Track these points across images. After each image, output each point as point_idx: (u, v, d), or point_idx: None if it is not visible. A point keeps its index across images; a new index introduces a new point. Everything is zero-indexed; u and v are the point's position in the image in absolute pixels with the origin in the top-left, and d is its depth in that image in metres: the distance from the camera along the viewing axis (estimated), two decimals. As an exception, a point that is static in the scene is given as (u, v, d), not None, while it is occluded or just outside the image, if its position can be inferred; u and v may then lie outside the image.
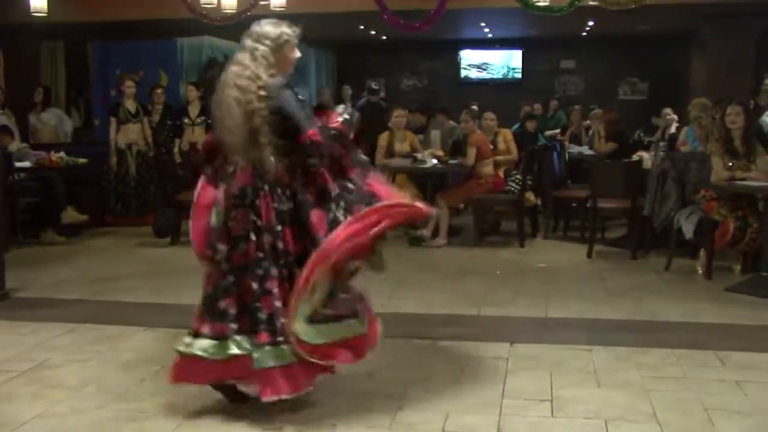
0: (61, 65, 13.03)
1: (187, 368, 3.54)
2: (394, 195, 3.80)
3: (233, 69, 3.63)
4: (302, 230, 3.52)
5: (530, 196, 8.40)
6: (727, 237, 6.25)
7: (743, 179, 6.18)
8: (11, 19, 8.90)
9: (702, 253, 6.59)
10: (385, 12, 7.69)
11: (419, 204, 3.93)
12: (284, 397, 3.46)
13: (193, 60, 12.25)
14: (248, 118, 3.50)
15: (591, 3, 8.03)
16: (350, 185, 3.60)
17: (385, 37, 15.14)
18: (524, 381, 4.06)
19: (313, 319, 3.43)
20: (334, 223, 3.47)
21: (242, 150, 3.53)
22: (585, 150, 10.12)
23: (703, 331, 5.01)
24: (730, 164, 6.30)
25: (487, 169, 8.26)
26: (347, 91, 13.18)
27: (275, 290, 3.46)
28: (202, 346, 3.49)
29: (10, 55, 11.32)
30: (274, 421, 3.53)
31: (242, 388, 3.66)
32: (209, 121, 9.76)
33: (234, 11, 8.17)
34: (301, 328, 3.40)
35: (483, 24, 14.16)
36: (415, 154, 8.65)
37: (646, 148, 9.81)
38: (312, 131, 3.50)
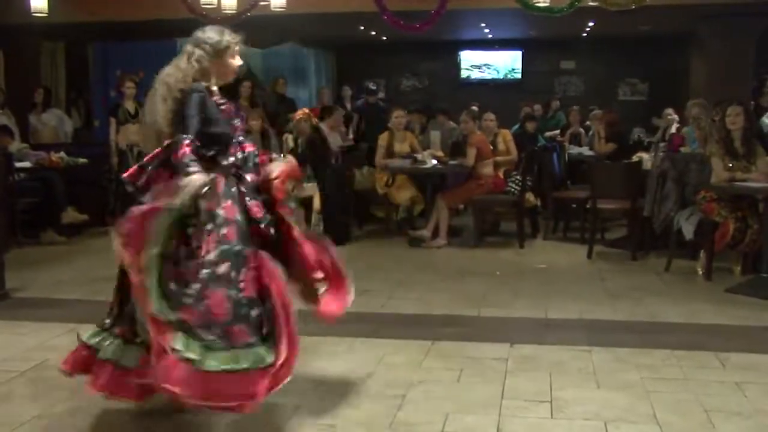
0: (61, 66, 13.02)
1: None
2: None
3: (167, 68, 3.65)
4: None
5: (530, 196, 8.40)
6: (727, 238, 6.25)
7: (744, 180, 6.18)
8: (11, 19, 8.89)
9: (702, 254, 6.59)
10: (385, 13, 7.69)
11: None
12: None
13: (192, 60, 12.25)
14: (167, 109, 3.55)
15: (591, 4, 8.03)
16: None
17: (385, 38, 15.13)
18: (524, 382, 4.06)
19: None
20: None
21: (148, 147, 3.63)
22: (585, 151, 10.13)
23: (703, 332, 5.01)
24: (730, 165, 6.30)
25: (487, 169, 8.26)
26: (347, 91, 13.16)
27: None
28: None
29: (11, 56, 11.31)
30: (273, 422, 3.53)
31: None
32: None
33: (234, 11, 8.17)
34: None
35: (483, 25, 14.15)
36: (414, 155, 8.66)
37: (646, 148, 9.82)
38: (186, 142, 3.38)
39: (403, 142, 8.94)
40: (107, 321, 3.59)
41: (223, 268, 3.34)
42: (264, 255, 3.51)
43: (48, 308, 5.65)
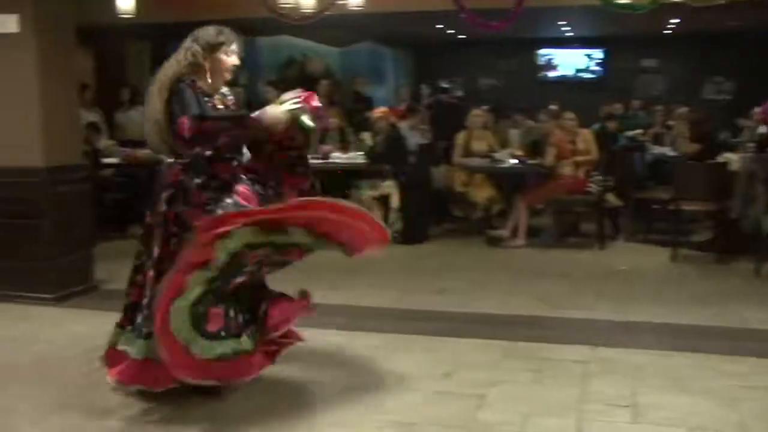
0: (146, 65, 13.33)
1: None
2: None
3: (165, 63, 3.80)
4: None
5: (611, 197, 8.25)
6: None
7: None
8: (101, 20, 9.13)
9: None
10: (464, 11, 7.62)
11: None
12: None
13: (272, 59, 12.42)
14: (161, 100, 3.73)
15: (675, 0, 7.81)
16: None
17: (463, 36, 15.05)
18: (604, 385, 3.98)
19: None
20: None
21: (152, 142, 3.88)
22: (668, 151, 9.88)
23: (794, 339, 4.83)
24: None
25: (567, 169, 8.14)
26: (424, 90, 13.16)
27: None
28: None
29: (100, 55, 11.66)
30: (351, 419, 3.54)
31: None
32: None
33: (313, 10, 8.22)
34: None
35: (563, 22, 13.96)
36: (493, 154, 8.59)
37: (733, 149, 9.52)
38: (182, 120, 3.53)
39: (481, 141, 8.88)
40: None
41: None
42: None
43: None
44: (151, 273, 3.72)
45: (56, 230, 5.86)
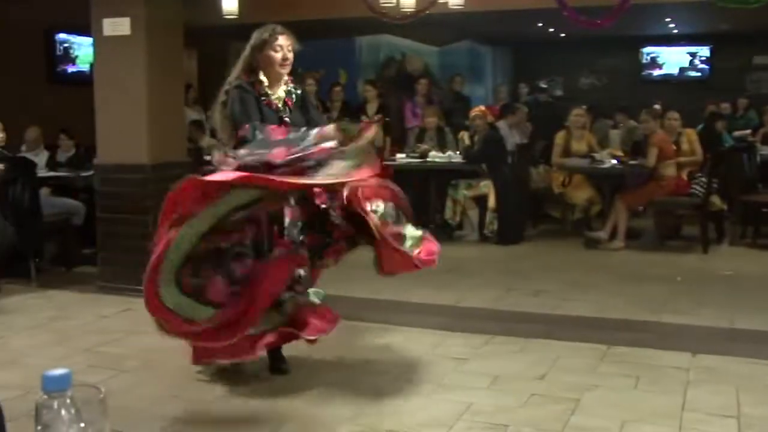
0: (248, 64, 13.67)
1: None
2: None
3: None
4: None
5: (716, 199, 7.98)
6: None
7: None
8: (205, 22, 9.40)
9: None
10: (566, 9, 7.50)
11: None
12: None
13: (371, 58, 12.52)
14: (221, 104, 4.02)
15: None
16: None
17: (563, 35, 14.84)
18: (707, 394, 3.85)
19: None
20: None
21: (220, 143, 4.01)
22: (779, 152, 9.49)
23: None
24: None
25: (670, 170, 7.92)
26: (523, 89, 13.03)
27: None
28: None
29: (203, 56, 12.00)
30: (443, 419, 3.54)
31: None
32: (386, 119, 9.95)
33: (413, 10, 8.24)
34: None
35: (668, 19, 13.58)
36: (593, 154, 8.44)
37: None
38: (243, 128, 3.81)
39: (581, 141, 8.73)
40: None
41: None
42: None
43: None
44: None
45: (159, 225, 6.06)
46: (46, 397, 1.06)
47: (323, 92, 10.15)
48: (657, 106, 9.62)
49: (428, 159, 8.58)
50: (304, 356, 4.37)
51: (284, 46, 4.03)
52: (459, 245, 8.32)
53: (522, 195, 8.49)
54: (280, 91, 4.08)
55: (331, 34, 11.88)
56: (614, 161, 8.29)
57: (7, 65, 9.58)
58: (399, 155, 8.93)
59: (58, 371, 1.08)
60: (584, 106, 9.77)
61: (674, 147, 8.10)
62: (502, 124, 9.00)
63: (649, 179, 8.03)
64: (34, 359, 4.45)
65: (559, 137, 8.76)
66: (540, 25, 13.50)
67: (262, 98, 3.99)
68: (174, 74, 6.34)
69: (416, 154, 8.68)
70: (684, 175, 8.04)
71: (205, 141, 9.36)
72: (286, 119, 4.02)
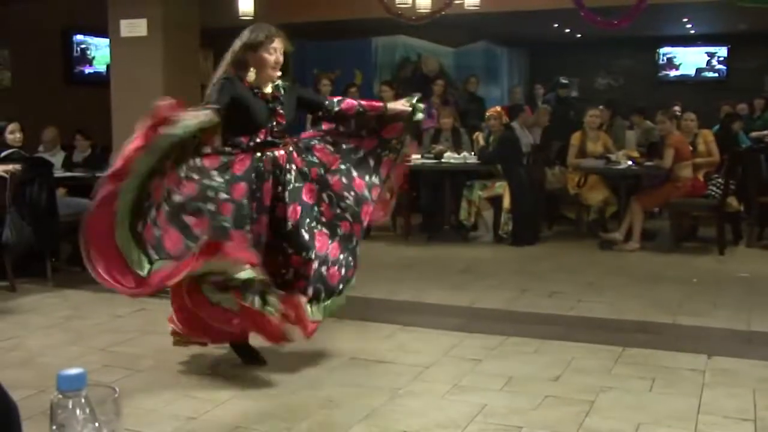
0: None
1: None
2: None
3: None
4: None
5: (732, 201, 7.94)
6: None
7: None
8: (221, 23, 9.42)
9: None
10: (583, 9, 7.49)
11: None
12: None
13: (387, 59, 12.51)
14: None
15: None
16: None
17: (579, 35, 14.79)
18: (723, 397, 3.83)
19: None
20: None
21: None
22: (797, 154, 9.41)
23: None
24: None
25: (686, 171, 7.88)
26: (539, 90, 13.00)
27: None
28: None
29: (219, 56, 12.01)
30: (457, 420, 3.54)
31: None
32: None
33: (428, 10, 8.25)
34: None
35: (685, 19, 13.51)
36: (608, 155, 8.41)
37: None
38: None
39: (597, 142, 8.71)
40: None
41: (189, 220, 3.74)
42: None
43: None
44: None
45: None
46: (61, 396, 1.07)
47: (338, 93, 10.14)
48: (677, 108, 9.56)
49: (443, 160, 8.58)
50: (318, 355, 4.38)
51: (278, 49, 4.06)
52: (474, 246, 8.31)
53: (537, 196, 8.47)
54: (268, 88, 4.12)
55: (347, 35, 11.89)
56: (630, 162, 8.26)
57: (25, 66, 9.65)
58: (414, 156, 8.91)
59: (73, 371, 1.08)
60: (601, 106, 9.76)
61: (691, 148, 8.06)
62: (515, 124, 8.98)
63: (665, 180, 8.00)
64: (49, 358, 4.48)
65: (575, 138, 8.73)
66: (556, 25, 13.47)
67: (255, 90, 4.05)
68: (190, 74, 6.39)
69: (431, 155, 8.67)
70: (700, 177, 8.00)
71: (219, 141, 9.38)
72: (280, 110, 4.10)
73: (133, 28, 6.02)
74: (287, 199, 4.01)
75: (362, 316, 5.14)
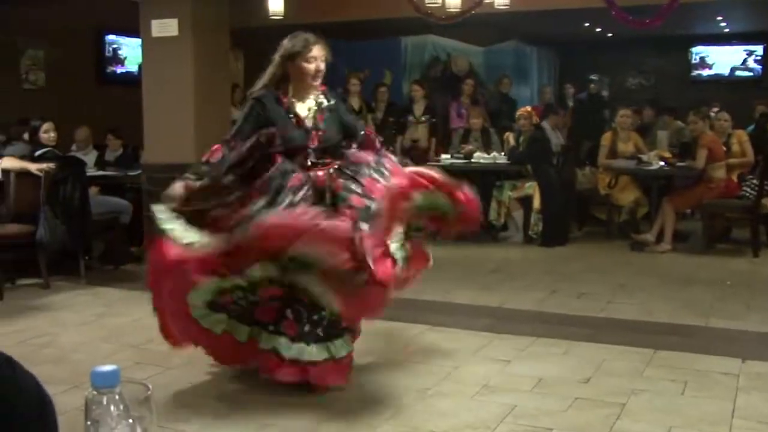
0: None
1: None
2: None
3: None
4: None
5: (767, 202, 7.82)
6: None
7: None
8: (252, 23, 9.48)
9: None
10: (614, 8, 7.42)
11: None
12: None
13: (416, 58, 12.49)
14: None
15: None
16: None
17: (610, 34, 14.66)
18: (758, 401, 3.77)
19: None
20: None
21: None
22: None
23: None
24: None
25: (719, 172, 7.79)
26: (569, 90, 12.91)
27: None
28: None
29: (249, 56, 12.09)
30: (486, 420, 3.52)
31: None
32: (433, 120, 9.93)
33: (458, 10, 8.22)
34: None
35: (719, 18, 13.34)
36: (640, 156, 8.33)
37: None
38: (215, 146, 3.95)
39: (628, 142, 8.63)
40: None
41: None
42: None
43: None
44: None
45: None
46: (95, 393, 1.08)
47: (368, 92, 10.16)
48: (715, 108, 9.43)
49: (473, 160, 8.54)
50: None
51: (318, 57, 3.89)
52: (503, 246, 8.27)
53: (567, 196, 8.41)
54: (310, 102, 3.95)
55: (377, 35, 11.89)
56: (662, 163, 8.18)
57: (58, 67, 9.77)
58: (444, 156, 8.91)
59: (108, 368, 1.09)
60: (647, 105, 9.66)
61: (724, 148, 7.96)
62: (545, 125, 8.93)
63: (698, 181, 7.91)
64: (83, 355, 4.53)
65: (605, 138, 8.66)
66: (587, 24, 13.36)
67: (290, 116, 3.90)
68: (221, 74, 6.42)
69: (461, 155, 8.64)
70: (734, 177, 7.90)
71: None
72: (320, 134, 3.90)
73: (164, 27, 6.06)
74: None
75: (391, 316, 5.12)
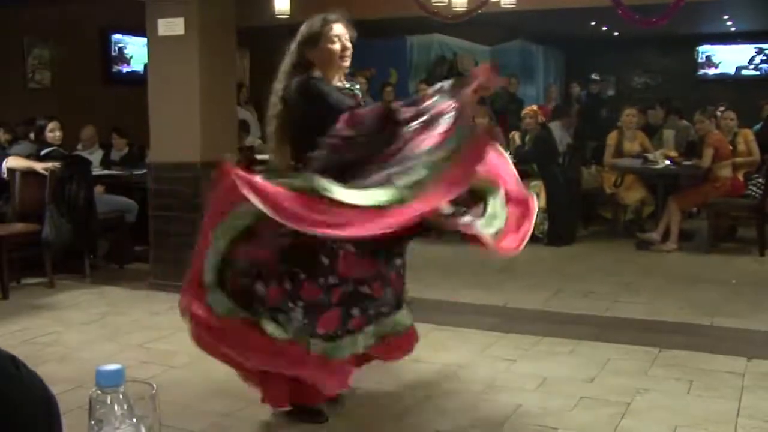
0: (298, 64, 13.73)
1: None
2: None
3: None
4: None
5: (773, 201, 7.80)
6: None
7: None
8: (258, 22, 9.49)
9: None
10: (620, 7, 7.40)
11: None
12: None
13: (422, 58, 12.49)
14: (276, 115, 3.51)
15: None
16: None
17: (616, 33, 14.64)
18: (763, 401, 3.76)
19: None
20: None
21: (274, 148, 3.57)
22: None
23: None
24: None
25: (725, 171, 7.77)
26: (575, 89, 12.89)
27: None
28: None
29: (255, 55, 12.12)
30: (493, 419, 3.52)
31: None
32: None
33: (464, 9, 8.21)
34: None
35: (726, 17, 13.31)
36: (645, 155, 8.31)
37: None
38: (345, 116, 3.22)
39: (633, 141, 8.61)
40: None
41: None
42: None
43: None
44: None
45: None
46: (99, 392, 1.08)
47: (374, 92, 10.16)
48: (722, 107, 9.39)
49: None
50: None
51: (341, 35, 3.48)
52: (508, 246, 8.25)
53: (573, 195, 8.40)
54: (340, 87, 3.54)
55: (383, 34, 11.87)
56: (668, 162, 8.16)
57: (64, 66, 9.78)
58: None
59: (112, 367, 1.09)
60: (657, 104, 9.64)
61: (730, 147, 7.94)
62: (554, 125, 8.91)
63: (703, 180, 7.89)
64: (87, 354, 4.54)
65: (611, 137, 8.64)
66: (593, 23, 13.35)
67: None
68: (226, 74, 6.41)
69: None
70: (740, 176, 7.87)
71: (249, 140, 9.46)
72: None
73: (171, 26, 6.05)
74: None
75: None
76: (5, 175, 6.28)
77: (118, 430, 1.07)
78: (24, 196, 6.21)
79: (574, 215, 8.50)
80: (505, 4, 8.31)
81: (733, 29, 14.83)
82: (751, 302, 5.71)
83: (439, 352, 4.54)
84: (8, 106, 8.68)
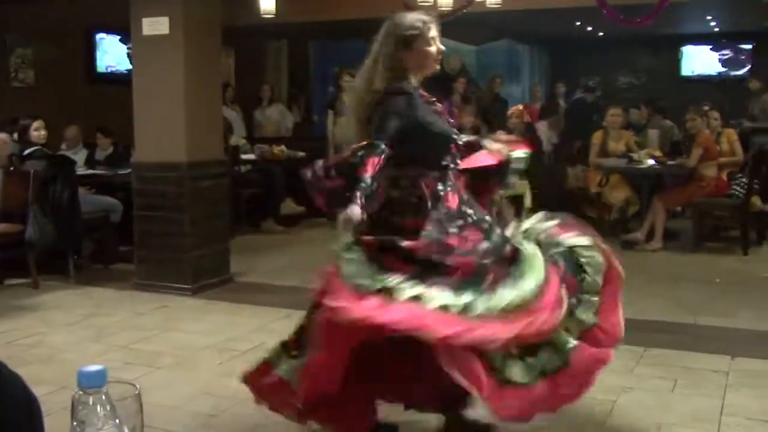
0: (284, 64, 13.70)
1: None
2: None
3: (359, 74, 3.33)
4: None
5: (756, 200, 7.85)
6: None
7: None
8: (243, 21, 9.46)
9: None
10: (605, 7, 7.42)
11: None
12: None
13: (408, 57, 12.49)
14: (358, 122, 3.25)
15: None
16: None
17: (601, 33, 14.69)
18: (747, 399, 3.79)
19: None
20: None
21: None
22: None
23: None
24: None
25: (710, 171, 7.81)
26: (560, 88, 12.92)
27: None
28: None
29: (240, 55, 12.08)
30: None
31: None
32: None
33: (450, 8, 8.21)
34: None
35: (709, 17, 13.38)
36: (630, 154, 8.34)
37: None
38: (373, 159, 2.95)
39: (619, 141, 8.64)
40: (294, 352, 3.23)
41: None
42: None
43: (267, 293, 5.97)
44: None
45: (195, 223, 6.11)
46: (82, 393, 1.07)
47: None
48: (706, 107, 9.45)
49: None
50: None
51: (436, 38, 3.25)
52: (494, 245, 8.26)
53: (558, 195, 8.42)
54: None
55: (369, 34, 11.85)
56: (652, 161, 8.20)
57: (47, 65, 9.72)
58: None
59: (94, 368, 1.08)
60: (642, 104, 9.67)
61: (718, 148, 7.99)
62: (541, 125, 8.93)
63: (688, 179, 7.93)
64: (71, 355, 4.52)
65: (596, 137, 8.67)
66: (578, 23, 13.39)
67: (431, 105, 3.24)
68: (212, 73, 6.38)
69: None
70: (723, 176, 7.92)
71: (233, 140, 9.43)
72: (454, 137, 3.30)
73: (155, 26, 6.02)
74: None
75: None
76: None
77: (101, 431, 1.06)
78: (7, 196, 6.17)
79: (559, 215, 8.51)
80: (490, 4, 8.31)
81: (716, 30, 14.93)
82: (735, 301, 5.75)
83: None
84: (-9, 105, 8.62)
